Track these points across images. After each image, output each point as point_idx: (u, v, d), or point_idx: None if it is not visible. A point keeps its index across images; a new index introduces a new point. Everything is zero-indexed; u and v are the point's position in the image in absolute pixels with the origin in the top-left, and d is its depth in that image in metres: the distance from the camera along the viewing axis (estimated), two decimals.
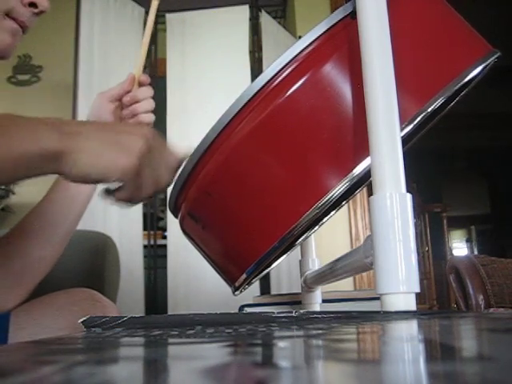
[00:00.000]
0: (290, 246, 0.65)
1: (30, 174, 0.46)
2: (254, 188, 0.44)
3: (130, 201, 0.54)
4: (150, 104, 0.75)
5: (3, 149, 0.43)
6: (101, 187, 0.54)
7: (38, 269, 0.72)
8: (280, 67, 0.43)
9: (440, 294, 4.07)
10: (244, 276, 0.48)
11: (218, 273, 0.54)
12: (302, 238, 0.67)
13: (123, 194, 0.53)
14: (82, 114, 1.90)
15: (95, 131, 0.49)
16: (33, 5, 0.61)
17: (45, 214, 0.73)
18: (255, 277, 0.54)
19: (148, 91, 0.74)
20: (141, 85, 0.74)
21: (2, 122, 0.45)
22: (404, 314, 0.34)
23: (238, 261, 0.48)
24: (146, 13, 2.17)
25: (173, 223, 1.89)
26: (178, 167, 0.54)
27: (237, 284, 0.50)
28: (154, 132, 0.53)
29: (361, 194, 1.99)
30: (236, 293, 0.54)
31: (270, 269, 0.65)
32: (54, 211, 0.73)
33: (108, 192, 0.53)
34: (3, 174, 0.45)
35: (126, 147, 0.49)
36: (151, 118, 0.75)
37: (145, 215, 2.08)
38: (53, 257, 0.73)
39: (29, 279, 0.71)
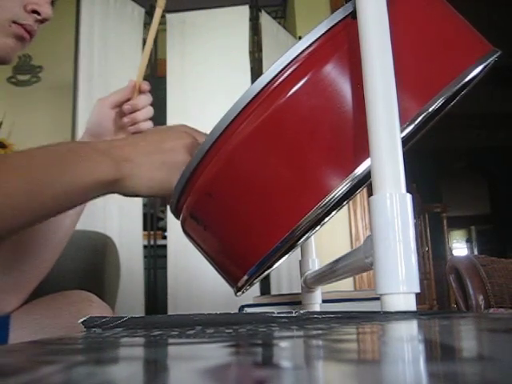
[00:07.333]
0: (291, 247, 0.65)
1: (81, 201, 0.50)
2: (255, 189, 0.44)
3: None
4: (150, 111, 0.76)
5: (59, 180, 0.46)
6: None
7: (34, 276, 0.72)
8: (281, 68, 0.43)
9: (440, 294, 4.07)
10: (246, 277, 0.48)
11: (220, 274, 0.54)
12: (303, 239, 0.67)
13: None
14: (82, 114, 1.90)
15: (143, 155, 0.52)
16: (36, 12, 0.62)
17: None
18: (257, 277, 0.54)
19: (148, 99, 0.76)
20: (141, 92, 0.75)
21: (57, 149, 0.48)
22: (404, 315, 0.34)
23: (240, 262, 0.48)
24: (147, 13, 2.18)
25: (173, 223, 1.89)
26: None
27: (239, 285, 0.50)
28: (192, 134, 0.56)
29: (361, 194, 1.99)
30: (238, 294, 0.54)
31: (271, 269, 0.65)
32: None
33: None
34: (56, 204, 0.47)
35: (173, 166, 0.53)
36: (150, 125, 0.77)
37: (145, 215, 2.07)
38: (49, 262, 0.73)
39: (26, 284, 0.72)
